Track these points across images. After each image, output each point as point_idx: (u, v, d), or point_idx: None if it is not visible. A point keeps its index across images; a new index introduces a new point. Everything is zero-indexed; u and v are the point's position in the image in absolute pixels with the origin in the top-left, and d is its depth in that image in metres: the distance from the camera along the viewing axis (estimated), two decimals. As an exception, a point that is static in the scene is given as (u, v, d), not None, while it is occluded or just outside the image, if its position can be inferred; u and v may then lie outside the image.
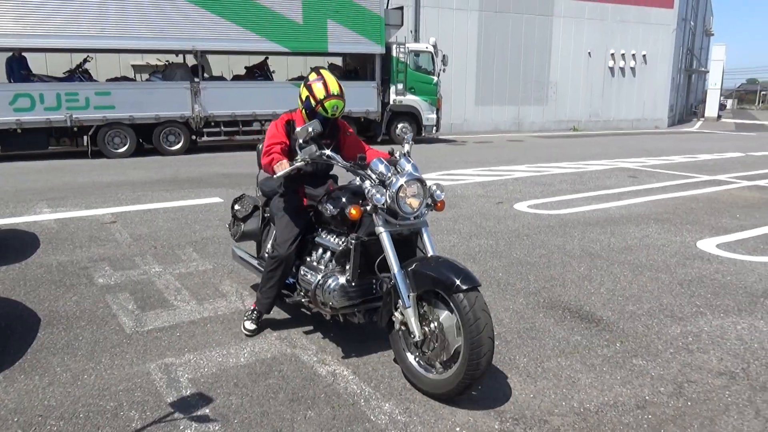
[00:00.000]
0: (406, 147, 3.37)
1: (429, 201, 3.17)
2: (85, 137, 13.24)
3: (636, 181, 10.28)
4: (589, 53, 24.63)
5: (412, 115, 16.61)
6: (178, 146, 14.03)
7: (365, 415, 2.82)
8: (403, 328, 3.04)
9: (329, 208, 3.38)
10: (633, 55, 25.48)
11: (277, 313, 4.05)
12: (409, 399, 2.97)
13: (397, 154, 3.30)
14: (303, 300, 3.57)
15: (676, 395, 3.03)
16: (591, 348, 3.58)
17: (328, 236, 3.51)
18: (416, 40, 19.56)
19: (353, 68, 17.68)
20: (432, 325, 2.91)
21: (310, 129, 3.19)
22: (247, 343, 3.60)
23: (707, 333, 3.82)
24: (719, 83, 36.58)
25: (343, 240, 3.37)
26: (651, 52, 25.83)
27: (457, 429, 2.72)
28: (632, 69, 25.76)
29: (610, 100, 25.75)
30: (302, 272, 3.55)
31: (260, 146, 3.88)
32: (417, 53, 16.61)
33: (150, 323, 3.89)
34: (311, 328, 3.82)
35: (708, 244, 6.00)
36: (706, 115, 36.02)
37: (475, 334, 2.67)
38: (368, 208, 3.06)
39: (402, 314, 3.00)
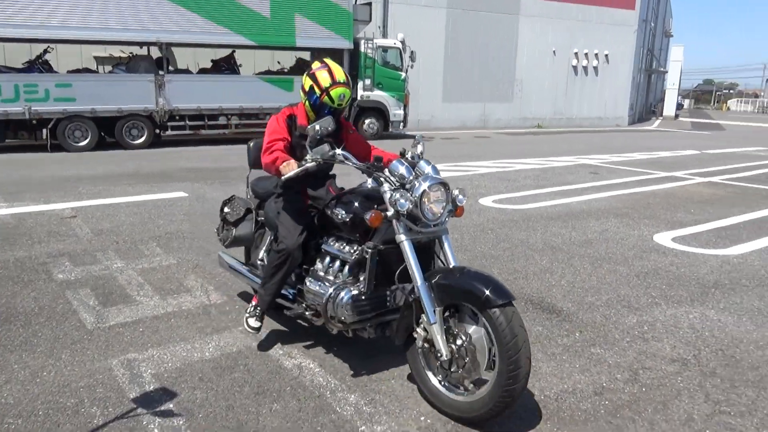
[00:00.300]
0: (419, 148, 3.12)
1: (450, 206, 2.92)
2: (44, 130, 12.86)
3: (597, 177, 10.53)
4: (554, 52, 25.03)
5: (379, 111, 16.64)
6: (142, 140, 13.75)
7: (331, 406, 2.85)
8: (425, 345, 2.79)
9: (340, 214, 3.05)
10: (596, 54, 26.00)
11: (242, 307, 4.04)
12: (375, 390, 3.01)
13: (409, 155, 3.07)
14: (306, 313, 3.24)
15: (631, 381, 3.14)
16: (551, 338, 3.68)
17: (337, 244, 3.19)
18: (384, 35, 19.57)
19: (321, 63, 17.59)
20: (460, 342, 2.68)
21: (321, 127, 2.92)
22: (212, 337, 3.58)
23: (662, 322, 3.96)
24: (677, 83, 37.64)
25: (355, 248, 3.06)
26: (613, 52, 26.40)
27: (422, 418, 2.77)
28: (595, 68, 26.29)
29: (574, 98, 26.23)
30: (307, 283, 3.21)
31: (252, 143, 3.73)
32: (385, 49, 16.64)
33: (112, 319, 3.83)
34: (276, 322, 3.82)
35: (664, 238, 6.20)
36: (664, 114, 37.01)
37: (513, 354, 2.46)
38: (389, 214, 2.80)
39: (426, 330, 2.75)
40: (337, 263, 3.16)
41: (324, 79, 3.17)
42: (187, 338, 3.57)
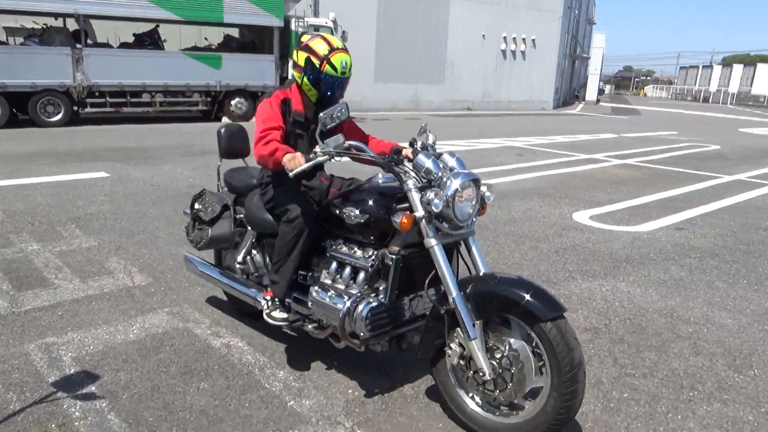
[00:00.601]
0: (431, 137, 2.81)
1: (478, 205, 2.64)
2: (-53, 106, 11.96)
3: (522, 159, 10.90)
4: (484, 36, 25.49)
5: (311, 91, 16.44)
6: (58, 117, 13.01)
7: (259, 383, 2.87)
8: (461, 362, 2.52)
9: (353, 214, 2.68)
10: (523, 39, 26.70)
11: (168, 288, 3.97)
12: (304, 366, 3.06)
13: (419, 144, 2.75)
14: (308, 326, 2.91)
15: (547, 350, 3.34)
16: (475, 312, 3.83)
17: (345, 248, 2.83)
18: (315, 14, 19.31)
19: (251, 41, 17.19)
20: (500, 357, 2.42)
21: (337, 113, 2.65)
22: (136, 319, 3.51)
23: (577, 295, 4.21)
24: (599, 69, 39.22)
25: (371, 253, 2.70)
26: (539, 37, 27.19)
27: (350, 391, 2.85)
28: (522, 53, 27.02)
29: (503, 81, 26.88)
30: (313, 294, 2.82)
31: (223, 129, 3.40)
32: (316, 28, 16.39)
33: (28, 303, 3.67)
34: (204, 302, 3.79)
35: (582, 216, 6.55)
36: (586, 98, 38.58)
37: (570, 369, 2.24)
38: (417, 215, 2.48)
39: (462, 346, 2.48)
40: (347, 270, 2.77)
41: (321, 47, 2.81)
42: (110, 321, 3.47)
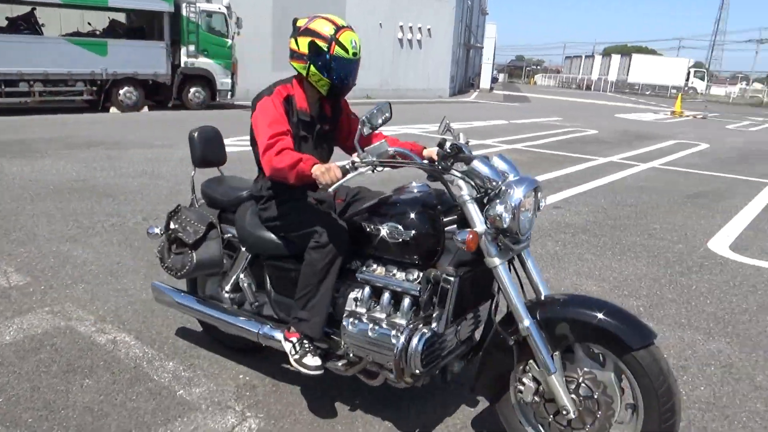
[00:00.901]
0: (462, 137, 2.51)
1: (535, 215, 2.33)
2: None
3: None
4: (381, 25, 25.78)
5: (205, 79, 15.94)
6: None
7: (148, 375, 2.87)
8: (535, 399, 2.21)
9: (398, 230, 2.32)
10: (419, 28, 27.29)
11: (48, 287, 3.81)
12: (194, 355, 3.08)
13: (447, 146, 2.33)
14: (339, 365, 2.50)
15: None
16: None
17: (379, 269, 2.43)
18: (208, 0, 18.68)
19: (139, 27, 16.35)
20: (583, 392, 2.13)
21: (385, 112, 2.39)
22: (13, 321, 3.34)
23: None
24: (491, 58, 40.89)
25: (416, 276, 2.34)
26: (434, 26, 27.91)
27: (241, 376, 2.91)
28: (419, 41, 27.63)
29: (400, 70, 27.36)
30: (351, 328, 2.40)
31: (197, 133, 2.92)
32: (209, 14, 15.89)
33: None
34: (89, 299, 3.68)
35: (471, 200, 6.91)
36: (481, 86, 40.13)
37: (668, 400, 2.02)
38: (478, 230, 2.14)
39: (538, 381, 2.19)
40: (386, 296, 2.40)
41: (325, 28, 2.44)
42: (-17, 324, 3.30)
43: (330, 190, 2.24)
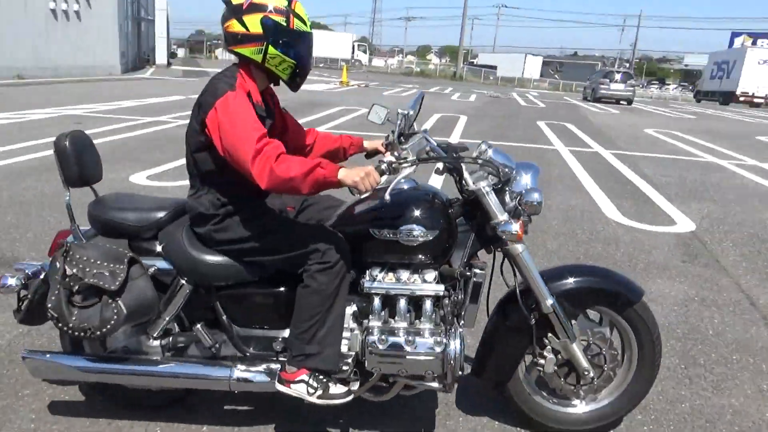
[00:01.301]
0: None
1: None
2: None
3: (80, 126, 10.37)
4: (24, -8, 22.36)
5: None
6: None
7: None
8: (556, 369, 2.41)
9: (417, 231, 2.14)
10: (75, -3, 24.51)
11: None
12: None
13: (417, 136, 2.21)
14: (375, 392, 2.33)
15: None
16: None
17: (390, 275, 2.22)
18: None
19: None
20: (594, 350, 2.42)
21: (418, 107, 2.30)
22: None
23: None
24: (165, 32, 39.04)
25: (434, 276, 2.21)
26: (94, -4, 25.38)
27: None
28: (77, 13, 24.80)
29: (56, 44, 24.23)
30: (379, 346, 2.16)
31: (69, 139, 2.24)
32: None
33: None
34: None
35: (139, 177, 6.82)
36: (157, 62, 38.14)
37: (658, 344, 2.41)
38: (506, 218, 2.14)
39: (559, 352, 2.38)
40: (402, 303, 2.21)
41: (277, 0, 2.09)
42: None
43: (362, 196, 2.11)
